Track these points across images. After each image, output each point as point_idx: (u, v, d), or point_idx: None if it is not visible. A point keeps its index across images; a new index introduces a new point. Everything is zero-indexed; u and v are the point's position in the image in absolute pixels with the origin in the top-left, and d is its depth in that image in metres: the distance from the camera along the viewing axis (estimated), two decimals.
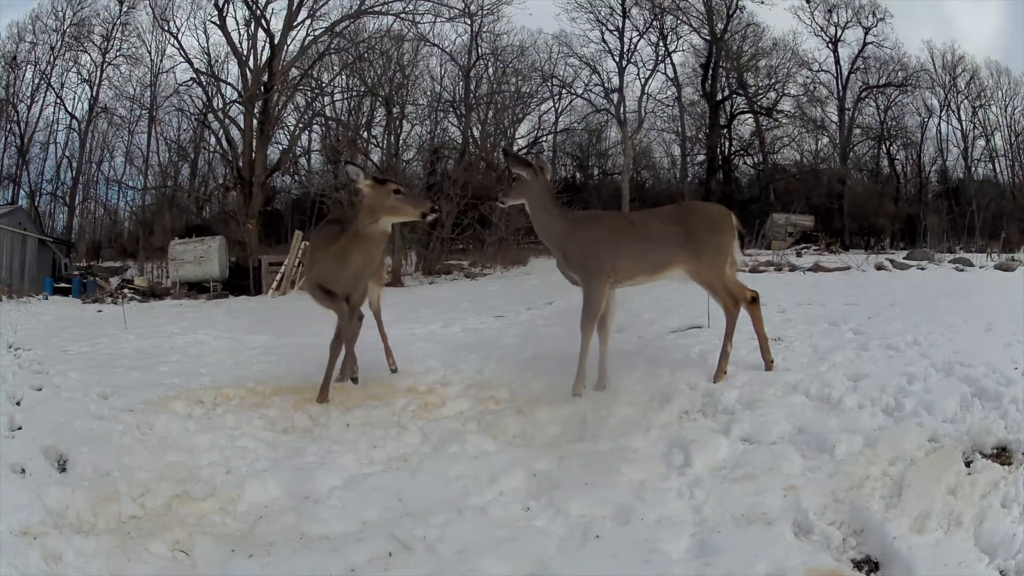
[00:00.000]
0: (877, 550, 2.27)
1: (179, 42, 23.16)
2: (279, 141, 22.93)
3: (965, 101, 27.00)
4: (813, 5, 26.96)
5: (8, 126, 24.31)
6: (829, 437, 2.93)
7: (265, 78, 20.79)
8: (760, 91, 27.35)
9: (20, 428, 3.39)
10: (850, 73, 27.15)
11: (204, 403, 4.00)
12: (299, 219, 24.08)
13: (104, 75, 25.12)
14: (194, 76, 22.93)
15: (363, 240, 3.82)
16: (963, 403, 3.11)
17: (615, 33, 26.99)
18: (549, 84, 27.09)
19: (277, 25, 21.14)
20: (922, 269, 12.07)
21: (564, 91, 27.39)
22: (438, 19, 22.97)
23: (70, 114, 25.47)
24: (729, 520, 2.47)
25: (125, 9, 24.66)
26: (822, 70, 27.43)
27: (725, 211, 4.03)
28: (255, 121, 20.85)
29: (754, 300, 4.00)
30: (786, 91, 27.37)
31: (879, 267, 12.28)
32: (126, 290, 18.18)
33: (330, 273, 3.97)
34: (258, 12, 21.06)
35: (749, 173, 28.98)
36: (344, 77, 24.17)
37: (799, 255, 17.84)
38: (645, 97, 27.38)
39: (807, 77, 27.36)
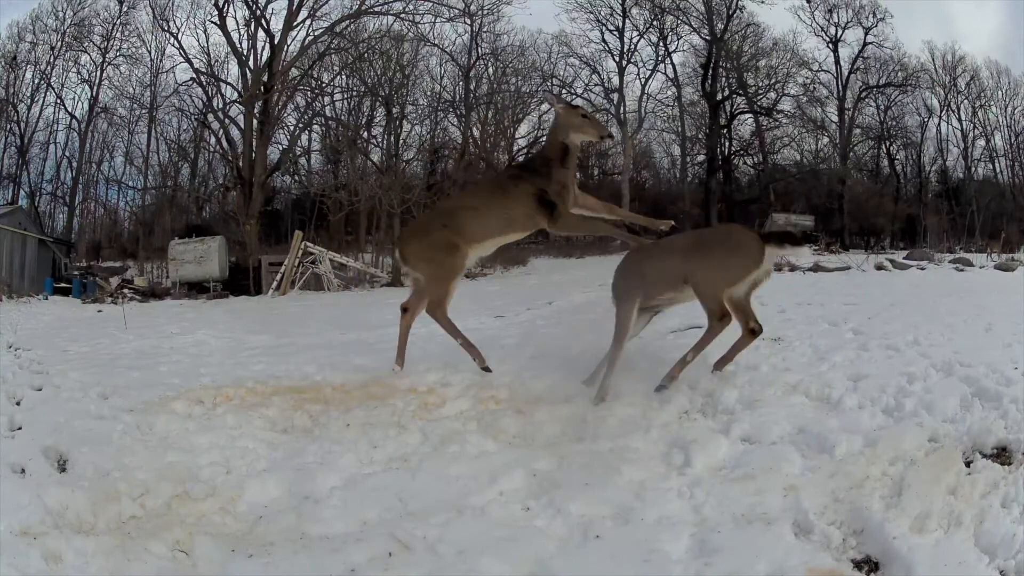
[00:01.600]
0: (877, 550, 2.27)
1: (179, 42, 23.21)
2: (279, 141, 22.99)
3: (965, 101, 27.03)
4: (813, 5, 27.02)
5: (8, 126, 24.32)
6: (829, 437, 2.93)
7: (265, 78, 20.79)
8: (760, 91, 27.40)
9: (20, 428, 3.39)
10: (850, 73, 27.19)
11: (204, 403, 4.00)
12: (299, 219, 24.11)
13: (104, 75, 25.19)
14: (194, 76, 22.97)
15: (568, 152, 4.31)
16: (963, 403, 3.11)
17: (615, 33, 27.05)
18: (549, 84, 27.11)
19: (277, 25, 21.18)
20: (922, 269, 12.08)
21: (564, 91, 27.39)
22: (438, 19, 23.03)
23: (70, 114, 25.53)
24: (729, 520, 2.46)
25: (125, 9, 24.71)
26: (822, 70, 27.50)
27: (755, 239, 3.80)
28: (255, 121, 20.87)
29: (752, 332, 3.84)
30: (786, 91, 27.45)
31: (879, 267, 12.29)
32: (126, 290, 18.20)
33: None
34: (258, 12, 21.08)
35: (749, 173, 29.03)
36: (344, 77, 24.23)
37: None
38: (645, 97, 27.45)
39: (807, 77, 27.42)
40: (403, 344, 4.66)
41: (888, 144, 27.75)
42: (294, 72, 21.81)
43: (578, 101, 27.49)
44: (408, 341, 4.73)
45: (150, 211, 25.95)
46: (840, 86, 27.03)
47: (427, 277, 4.46)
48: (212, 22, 21.86)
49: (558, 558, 2.32)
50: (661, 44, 27.19)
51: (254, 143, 20.77)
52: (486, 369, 4.39)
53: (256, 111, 20.77)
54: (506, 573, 2.26)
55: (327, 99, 24.31)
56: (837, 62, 26.98)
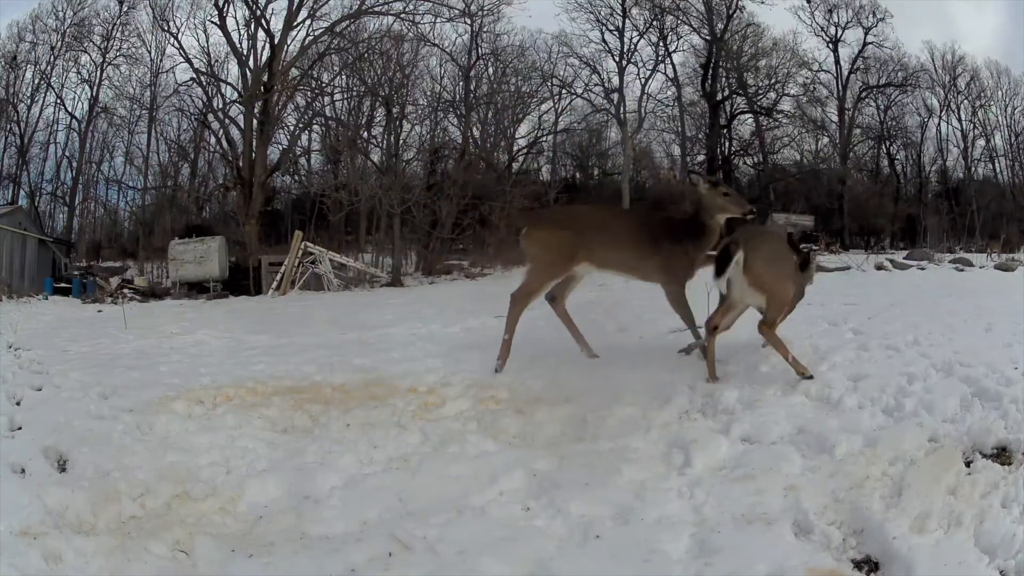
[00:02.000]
0: (877, 550, 2.27)
1: (179, 42, 23.15)
2: (279, 141, 22.93)
3: (965, 101, 27.01)
4: (813, 5, 26.97)
5: (8, 126, 24.30)
6: (829, 437, 2.93)
7: (265, 78, 20.78)
8: (760, 91, 27.34)
9: (20, 428, 3.40)
10: (850, 73, 27.15)
11: (204, 403, 4.00)
12: (299, 219, 24.08)
13: (104, 75, 25.13)
14: (194, 76, 22.93)
15: (707, 233, 4.42)
16: (963, 403, 3.11)
17: (615, 33, 26.98)
18: (549, 84, 27.06)
19: (277, 25, 21.15)
20: (922, 269, 12.08)
21: (564, 91, 27.37)
22: (438, 19, 22.99)
23: (70, 114, 25.48)
24: (729, 520, 2.47)
25: (125, 9, 24.67)
26: (822, 70, 27.44)
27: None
28: (255, 121, 20.85)
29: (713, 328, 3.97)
30: (786, 91, 27.36)
31: (879, 267, 12.29)
32: (126, 290, 18.19)
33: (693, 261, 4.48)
34: (258, 12, 21.06)
35: (749, 173, 28.98)
36: (344, 77, 24.18)
37: None
38: (645, 97, 27.38)
39: (807, 77, 27.36)
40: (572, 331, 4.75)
41: (888, 144, 27.73)
42: (294, 72, 21.78)
43: (579, 102, 27.58)
44: (408, 341, 4.73)
45: (150, 211, 25.93)
46: (840, 86, 27.01)
47: (532, 265, 4.57)
48: (212, 22, 21.85)
49: (558, 558, 2.32)
50: (661, 44, 27.15)
51: (254, 143, 20.75)
52: (498, 369, 4.46)
53: (256, 111, 20.74)
54: (506, 573, 2.26)
55: (327, 99, 24.30)
56: (837, 62, 26.97)
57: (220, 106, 22.65)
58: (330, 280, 17.14)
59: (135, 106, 25.63)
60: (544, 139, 27.84)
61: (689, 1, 26.50)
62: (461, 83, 26.40)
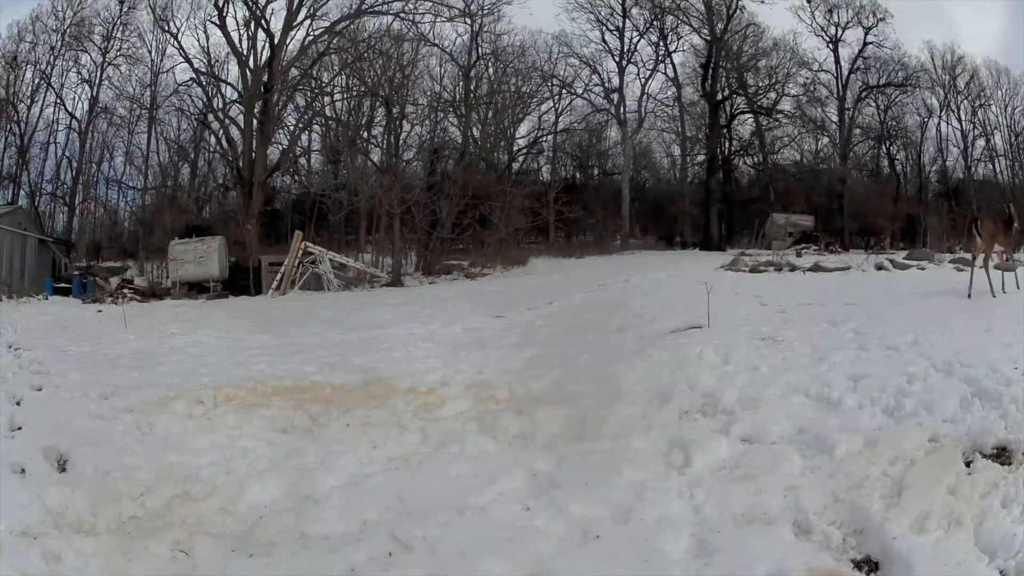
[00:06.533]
0: (877, 550, 2.27)
1: (179, 42, 23.08)
2: (279, 141, 22.90)
3: (965, 101, 26.98)
4: (813, 5, 26.93)
5: (8, 126, 24.28)
6: (829, 437, 2.94)
7: (265, 78, 20.77)
8: (760, 91, 27.31)
9: (20, 428, 3.40)
10: (850, 73, 27.12)
11: (204, 403, 4.01)
12: (299, 219, 24.06)
13: (104, 75, 25.10)
14: (194, 76, 22.88)
15: (1017, 227, 7.92)
16: (963, 403, 3.11)
17: (615, 33, 27.00)
18: (549, 84, 27.07)
19: (277, 25, 21.10)
20: (922, 269, 12.07)
21: (564, 91, 27.38)
22: (438, 19, 22.96)
23: (70, 114, 25.45)
24: (729, 520, 2.47)
25: (125, 9, 24.66)
26: (822, 70, 27.40)
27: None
28: (255, 121, 20.83)
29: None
30: (786, 91, 27.32)
31: (879, 267, 12.28)
32: (126, 290, 18.16)
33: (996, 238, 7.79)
34: (258, 12, 21.03)
35: (749, 173, 28.97)
36: (344, 77, 24.14)
37: (799, 255, 17.85)
38: (645, 97, 27.37)
39: (807, 77, 27.33)
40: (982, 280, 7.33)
41: (888, 144, 27.69)
42: (294, 72, 21.74)
43: (579, 102, 27.64)
44: (408, 341, 4.68)
45: (150, 211, 25.88)
46: (840, 86, 26.95)
47: (985, 243, 7.60)
48: (212, 22, 21.78)
49: (558, 558, 2.32)
50: (661, 44, 27.13)
51: (254, 143, 20.71)
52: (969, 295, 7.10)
53: (256, 111, 20.71)
54: (506, 573, 2.26)
55: (327, 99, 24.26)
56: (837, 62, 26.91)
57: (220, 106, 22.62)
58: (330, 280, 17.14)
59: (135, 106, 25.61)
60: (544, 139, 27.86)
61: (689, 1, 26.48)
62: (461, 83, 26.40)
